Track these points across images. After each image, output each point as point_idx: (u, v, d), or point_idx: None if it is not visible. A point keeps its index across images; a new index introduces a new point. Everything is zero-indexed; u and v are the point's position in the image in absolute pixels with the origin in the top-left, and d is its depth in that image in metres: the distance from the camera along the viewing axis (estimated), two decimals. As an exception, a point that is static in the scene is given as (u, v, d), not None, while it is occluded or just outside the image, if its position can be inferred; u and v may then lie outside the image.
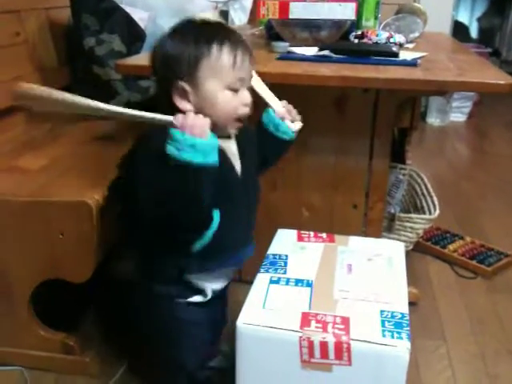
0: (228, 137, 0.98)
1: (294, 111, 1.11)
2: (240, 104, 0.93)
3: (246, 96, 0.94)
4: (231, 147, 0.99)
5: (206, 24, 0.94)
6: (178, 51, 0.90)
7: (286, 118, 1.09)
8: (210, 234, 0.94)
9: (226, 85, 0.91)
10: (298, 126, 1.11)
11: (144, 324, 1.13)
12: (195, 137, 0.82)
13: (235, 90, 0.92)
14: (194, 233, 0.94)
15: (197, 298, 1.05)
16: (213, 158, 0.84)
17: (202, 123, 0.84)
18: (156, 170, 0.86)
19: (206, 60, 0.89)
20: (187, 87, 0.90)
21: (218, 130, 0.90)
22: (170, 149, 0.82)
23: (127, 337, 1.41)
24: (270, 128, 1.09)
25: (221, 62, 0.90)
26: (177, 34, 0.92)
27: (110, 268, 1.55)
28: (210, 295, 1.06)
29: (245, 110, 0.94)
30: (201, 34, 0.90)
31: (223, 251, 1.01)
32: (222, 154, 0.93)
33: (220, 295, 1.11)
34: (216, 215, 0.94)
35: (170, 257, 0.99)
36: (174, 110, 0.90)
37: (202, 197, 0.87)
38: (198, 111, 0.89)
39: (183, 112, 0.89)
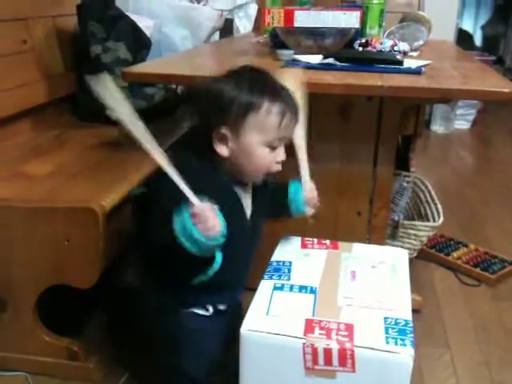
0: (247, 184, 1.00)
1: (316, 199, 1.13)
2: (274, 161, 0.95)
3: (281, 154, 0.95)
4: (246, 194, 1.00)
5: (262, 74, 0.95)
6: (230, 96, 0.89)
7: (307, 203, 1.11)
8: (210, 273, 0.94)
9: (267, 142, 0.92)
10: (311, 212, 1.13)
11: (147, 330, 1.13)
12: (201, 233, 0.81)
13: (273, 148, 0.93)
14: (195, 269, 0.94)
15: (200, 311, 1.05)
16: (209, 254, 0.85)
17: (215, 225, 0.82)
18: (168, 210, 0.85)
19: (255, 113, 0.89)
20: (229, 134, 0.90)
21: (244, 177, 0.94)
22: (176, 222, 0.81)
23: (131, 343, 1.41)
24: (290, 203, 1.10)
25: (268, 120, 0.90)
26: (232, 79, 0.91)
27: (115, 274, 1.56)
28: (211, 312, 1.06)
29: (277, 167, 0.96)
30: (256, 85, 0.90)
31: (221, 289, 1.03)
32: (237, 200, 0.96)
33: (226, 313, 1.09)
34: (218, 257, 0.93)
35: (169, 283, 1.00)
36: (207, 149, 0.91)
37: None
38: (232, 158, 0.92)
39: (219, 155, 0.91)
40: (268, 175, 0.97)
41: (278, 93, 0.91)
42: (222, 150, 0.92)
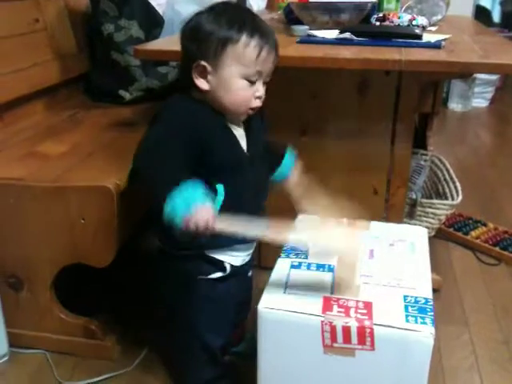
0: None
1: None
2: (253, 95, 0.97)
3: (260, 89, 0.97)
4: (236, 127, 1.01)
5: (242, 10, 0.99)
6: (209, 30, 0.92)
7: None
8: (216, 206, 0.95)
9: (245, 75, 0.94)
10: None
11: (166, 302, 1.15)
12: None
13: (252, 82, 0.95)
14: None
15: (216, 274, 1.05)
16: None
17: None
18: (155, 156, 0.92)
19: (233, 46, 0.92)
20: (208, 67, 0.93)
21: (226, 112, 0.97)
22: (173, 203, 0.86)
23: (149, 319, 1.42)
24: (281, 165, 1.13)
25: (246, 52, 0.93)
26: (212, 13, 0.94)
27: (133, 246, 1.56)
28: (228, 270, 1.05)
29: (256, 103, 0.98)
30: (234, 19, 0.93)
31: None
32: (225, 128, 0.98)
33: (241, 272, 1.10)
34: (220, 189, 0.96)
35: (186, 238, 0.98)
36: (190, 84, 0.95)
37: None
38: (212, 91, 0.95)
39: (200, 89, 0.94)
40: (249, 112, 0.99)
41: (256, 27, 0.94)
42: (202, 83, 0.95)
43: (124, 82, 1.79)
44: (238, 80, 0.94)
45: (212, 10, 0.96)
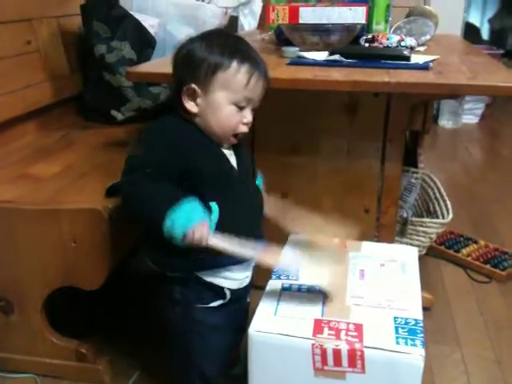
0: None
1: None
2: (240, 121, 0.98)
3: (247, 116, 0.99)
4: (225, 149, 1.03)
5: (234, 38, 1.02)
6: (201, 56, 0.94)
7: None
8: (212, 225, 0.94)
9: (234, 100, 0.96)
10: None
11: (163, 329, 1.13)
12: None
13: (240, 108, 0.97)
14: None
15: (217, 302, 1.04)
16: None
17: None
18: (140, 174, 0.93)
19: (223, 72, 0.94)
20: (198, 90, 0.95)
21: (213, 136, 0.98)
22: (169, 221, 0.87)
23: (142, 342, 1.41)
24: None
25: (236, 79, 0.94)
26: (205, 40, 0.96)
27: (127, 271, 1.56)
28: (228, 296, 1.05)
29: (243, 129, 1.00)
30: (226, 47, 0.95)
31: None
32: (217, 149, 1.00)
33: (240, 297, 1.10)
34: (214, 207, 0.96)
35: (179, 251, 0.97)
36: (180, 107, 0.97)
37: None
38: (200, 115, 0.97)
39: (189, 112, 0.96)
40: (236, 137, 1.00)
41: (247, 55, 0.96)
42: (191, 106, 0.96)
43: (116, 102, 1.80)
44: (227, 105, 0.96)
45: (205, 37, 0.98)
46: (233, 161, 1.03)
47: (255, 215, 1.08)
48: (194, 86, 0.95)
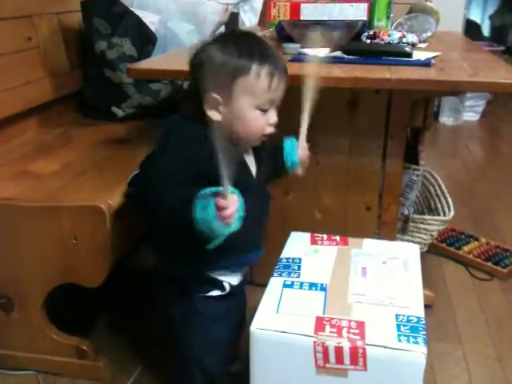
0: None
1: (307, 160, 1.11)
2: (266, 123, 0.96)
3: (273, 117, 0.96)
4: (248, 154, 1.02)
5: (249, 38, 0.97)
6: (219, 61, 0.91)
7: (302, 162, 1.09)
8: (223, 238, 0.93)
9: (257, 105, 0.93)
10: (300, 171, 1.12)
11: (164, 324, 1.13)
12: (221, 225, 0.82)
13: (264, 110, 0.95)
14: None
15: (216, 292, 1.05)
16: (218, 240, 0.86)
17: (234, 215, 0.83)
18: (167, 185, 0.90)
19: (243, 77, 0.91)
20: (220, 99, 0.92)
21: (239, 141, 0.95)
22: (197, 210, 0.82)
23: (143, 337, 1.41)
24: (285, 157, 1.09)
25: (257, 83, 0.92)
26: (220, 44, 0.93)
27: (128, 267, 1.55)
28: (228, 289, 1.06)
29: (270, 130, 0.97)
30: (243, 49, 0.92)
31: (236, 252, 1.01)
32: (241, 160, 0.97)
33: (239, 291, 1.10)
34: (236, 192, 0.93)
35: (186, 251, 0.98)
36: (200, 114, 0.93)
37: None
38: (224, 122, 0.93)
39: (212, 120, 0.91)
40: (263, 138, 0.98)
41: (266, 55, 0.93)
42: (214, 114, 0.94)
43: (117, 98, 1.80)
44: (250, 110, 0.93)
45: (220, 40, 0.95)
46: (252, 168, 1.02)
47: (261, 224, 1.08)
48: (215, 94, 0.92)
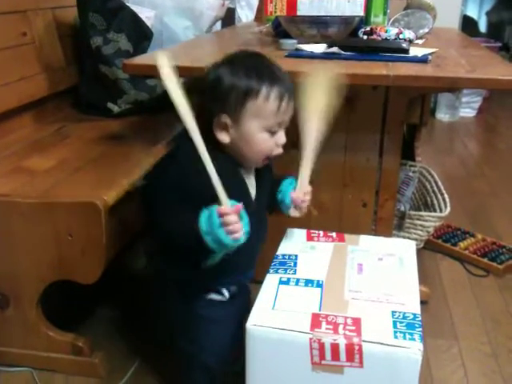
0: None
1: (306, 204, 1.08)
2: (275, 145, 0.96)
3: (281, 138, 0.96)
4: (250, 176, 1.02)
5: (258, 59, 0.96)
6: (228, 84, 0.90)
7: (296, 205, 1.07)
8: (220, 255, 0.94)
9: (267, 127, 0.93)
10: (294, 214, 1.09)
11: (162, 319, 1.15)
12: (227, 235, 0.85)
13: (273, 132, 0.94)
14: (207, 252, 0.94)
15: (216, 297, 1.05)
16: (227, 251, 0.89)
17: (240, 228, 0.86)
18: (173, 201, 0.92)
19: (253, 100, 0.91)
20: (229, 121, 0.92)
21: (246, 162, 0.96)
22: (202, 222, 0.86)
23: (141, 333, 1.41)
24: (278, 193, 1.08)
25: (266, 106, 0.91)
26: (230, 65, 0.92)
27: (123, 263, 1.54)
28: (227, 296, 1.06)
29: (278, 151, 0.97)
30: (252, 70, 0.91)
31: (230, 272, 1.03)
32: (242, 182, 0.98)
33: (241, 293, 1.10)
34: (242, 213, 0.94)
35: (182, 264, 1.00)
36: (209, 136, 0.91)
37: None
38: (233, 144, 0.94)
39: (219, 141, 0.93)
40: (270, 158, 0.98)
41: (274, 77, 0.92)
42: (224, 137, 0.93)
43: (112, 94, 1.79)
44: (260, 133, 0.93)
45: (229, 61, 0.94)
46: (253, 191, 1.02)
47: (255, 247, 1.07)
48: (224, 117, 0.91)
